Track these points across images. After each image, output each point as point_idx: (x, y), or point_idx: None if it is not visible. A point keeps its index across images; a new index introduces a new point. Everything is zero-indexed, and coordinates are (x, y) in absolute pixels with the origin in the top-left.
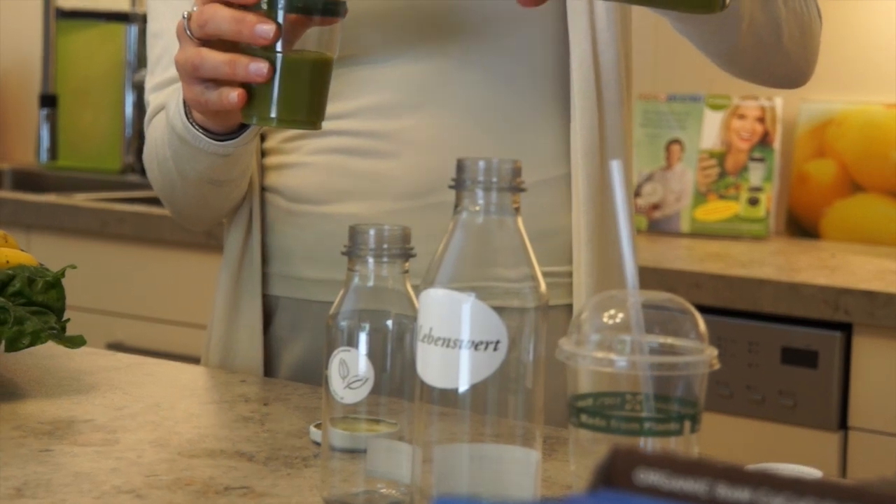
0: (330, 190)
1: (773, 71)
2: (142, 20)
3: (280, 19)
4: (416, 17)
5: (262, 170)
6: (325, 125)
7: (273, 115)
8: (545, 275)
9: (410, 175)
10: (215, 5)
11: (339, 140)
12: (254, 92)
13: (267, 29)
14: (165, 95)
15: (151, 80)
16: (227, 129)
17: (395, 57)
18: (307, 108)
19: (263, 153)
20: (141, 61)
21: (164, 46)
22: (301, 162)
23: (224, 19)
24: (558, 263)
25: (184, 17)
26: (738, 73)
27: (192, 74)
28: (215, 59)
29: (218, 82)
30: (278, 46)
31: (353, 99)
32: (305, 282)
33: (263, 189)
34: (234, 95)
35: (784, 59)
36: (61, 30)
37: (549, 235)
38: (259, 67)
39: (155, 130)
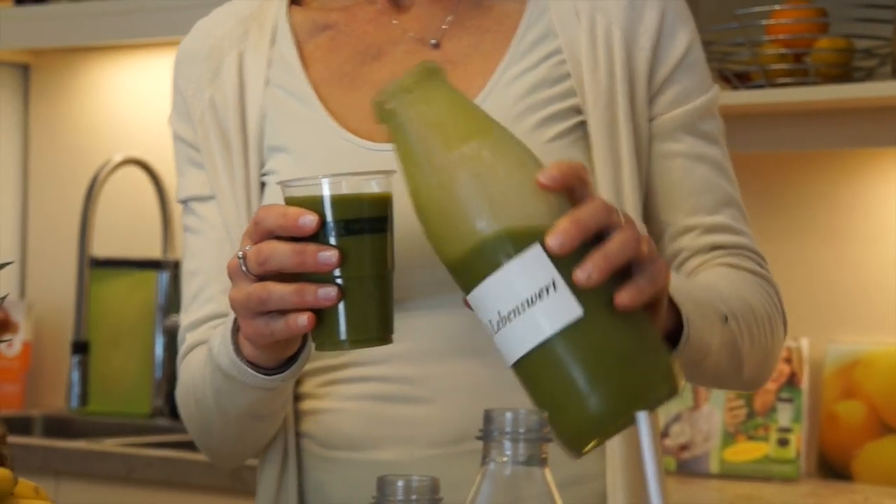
0: (364, 436)
1: (728, 387)
2: (173, 267)
3: (335, 242)
4: (441, 276)
5: (297, 415)
6: (358, 372)
7: (343, 337)
8: None
9: (444, 422)
10: (272, 242)
11: (373, 386)
12: (321, 318)
13: (329, 255)
14: (201, 333)
15: (187, 317)
16: (277, 362)
17: (426, 307)
18: (376, 326)
19: (297, 397)
20: (172, 307)
21: (200, 285)
22: (334, 408)
23: (285, 254)
24: None
25: (238, 256)
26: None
27: (256, 309)
28: (282, 291)
29: (283, 312)
30: (338, 270)
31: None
32: None
33: (297, 434)
34: (303, 319)
35: (741, 383)
36: (95, 278)
37: (583, 481)
38: (327, 292)
39: (190, 368)
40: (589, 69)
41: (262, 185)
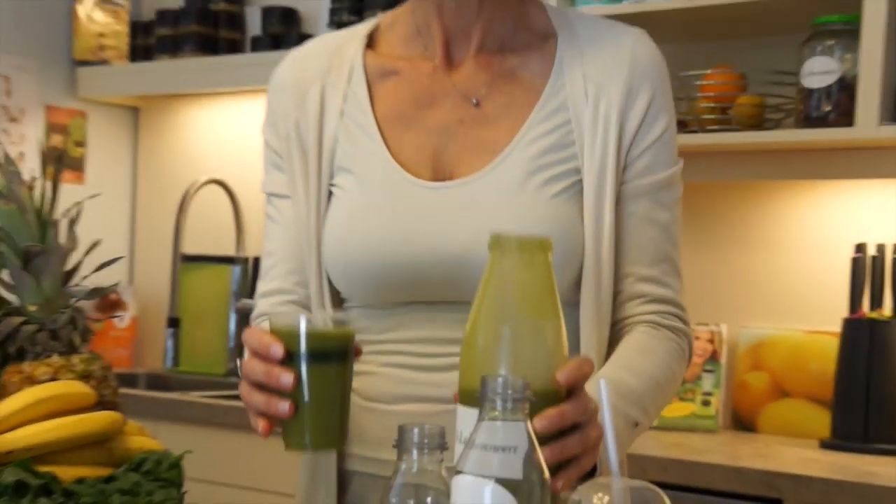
0: (395, 394)
1: None
2: (244, 262)
3: (302, 368)
4: (459, 277)
5: None
6: (394, 347)
7: (307, 442)
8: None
9: (453, 387)
10: (253, 360)
11: (403, 358)
12: (290, 425)
13: (286, 379)
14: (266, 305)
15: (259, 288)
16: None
17: (447, 304)
18: (334, 435)
19: None
20: (242, 293)
21: (272, 264)
22: (375, 371)
23: (258, 373)
24: None
25: (237, 363)
26: None
27: (245, 398)
28: (258, 399)
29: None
30: (305, 389)
31: (413, 330)
32: (375, 461)
33: None
34: (260, 426)
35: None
36: (184, 269)
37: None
38: (283, 406)
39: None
40: (589, 141)
41: (330, 193)
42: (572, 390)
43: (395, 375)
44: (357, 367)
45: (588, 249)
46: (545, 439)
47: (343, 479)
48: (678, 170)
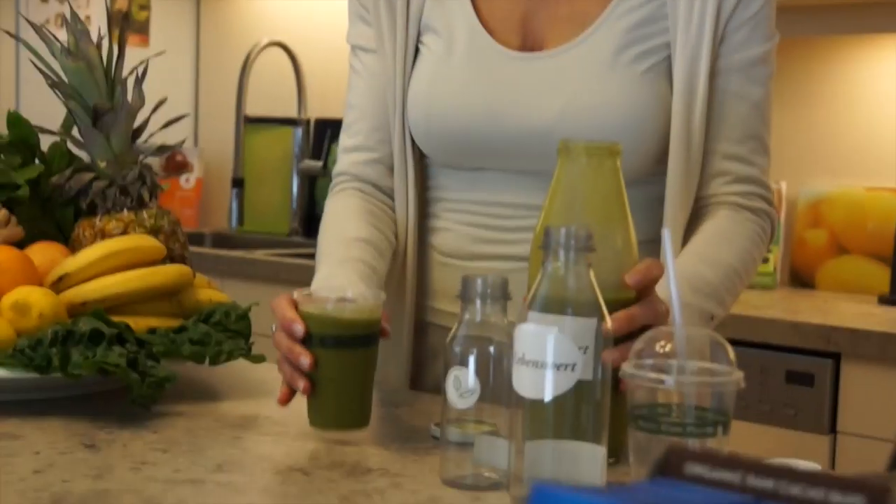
0: (470, 251)
1: None
2: (306, 124)
3: (328, 353)
4: (542, 151)
5: (427, 229)
6: (468, 207)
7: (330, 422)
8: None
9: (517, 245)
10: (281, 334)
11: (476, 217)
12: (315, 403)
13: (304, 361)
14: (347, 164)
15: (343, 141)
16: None
17: (521, 170)
18: (357, 415)
19: (427, 216)
20: (304, 154)
21: (354, 118)
22: (451, 228)
23: (283, 348)
24: None
25: (272, 329)
26: None
27: (278, 363)
28: (283, 369)
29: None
30: (331, 371)
31: (491, 194)
32: (450, 315)
33: (423, 243)
34: (280, 395)
35: None
36: (248, 131)
37: None
38: (303, 386)
39: (328, 208)
40: (685, 13)
41: (417, 51)
42: (642, 293)
43: (471, 234)
44: (434, 222)
45: (677, 125)
46: (614, 343)
47: (420, 331)
48: (774, 45)
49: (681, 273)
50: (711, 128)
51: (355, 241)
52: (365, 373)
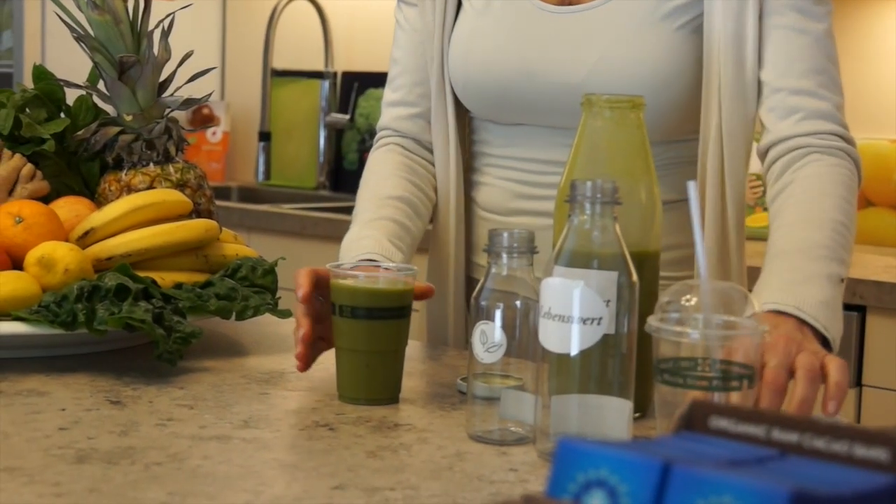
0: (508, 207)
1: None
2: (332, 77)
3: (357, 325)
4: (578, 106)
5: (471, 183)
6: (509, 163)
7: (360, 395)
8: (665, 279)
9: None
10: (300, 306)
11: (515, 174)
12: (343, 378)
13: (302, 333)
14: (390, 117)
15: (386, 95)
16: None
17: (556, 126)
18: (388, 389)
19: (472, 170)
20: (331, 107)
21: (397, 72)
22: (491, 183)
23: (296, 313)
24: (676, 270)
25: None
26: None
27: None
28: (299, 334)
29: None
30: (362, 343)
31: (529, 150)
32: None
33: (468, 199)
34: (300, 364)
35: None
36: (274, 84)
37: (670, 248)
38: (298, 353)
39: (369, 164)
40: None
41: (459, 5)
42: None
43: (510, 189)
44: (476, 177)
45: (728, 76)
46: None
47: (469, 286)
48: None
49: (791, 244)
50: (772, 65)
51: (389, 200)
52: (398, 343)
